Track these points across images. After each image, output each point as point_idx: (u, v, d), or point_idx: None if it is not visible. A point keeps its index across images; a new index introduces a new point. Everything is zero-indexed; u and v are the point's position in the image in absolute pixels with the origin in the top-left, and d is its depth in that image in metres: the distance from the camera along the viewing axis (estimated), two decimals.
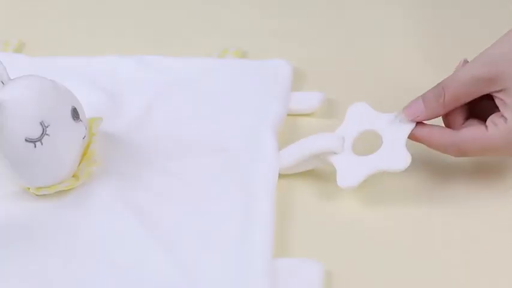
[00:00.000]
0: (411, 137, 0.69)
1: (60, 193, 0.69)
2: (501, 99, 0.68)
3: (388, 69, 0.84)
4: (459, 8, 0.93)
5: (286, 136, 0.76)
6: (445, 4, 0.94)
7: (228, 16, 0.94)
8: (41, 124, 0.66)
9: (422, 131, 0.69)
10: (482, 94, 0.68)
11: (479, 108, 0.70)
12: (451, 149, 0.69)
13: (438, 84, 0.69)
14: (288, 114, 0.78)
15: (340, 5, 0.95)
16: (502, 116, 0.67)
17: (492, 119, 0.68)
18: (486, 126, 0.68)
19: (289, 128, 0.77)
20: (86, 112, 0.71)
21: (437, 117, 0.70)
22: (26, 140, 0.66)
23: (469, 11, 0.93)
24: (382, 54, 0.87)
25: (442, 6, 0.94)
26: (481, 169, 0.72)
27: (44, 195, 0.69)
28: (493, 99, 0.68)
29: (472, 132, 0.68)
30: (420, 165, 0.72)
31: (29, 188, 0.69)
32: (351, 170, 0.68)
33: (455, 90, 0.68)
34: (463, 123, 0.70)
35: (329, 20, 0.93)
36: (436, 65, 0.84)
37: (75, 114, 0.69)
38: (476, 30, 0.89)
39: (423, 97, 0.69)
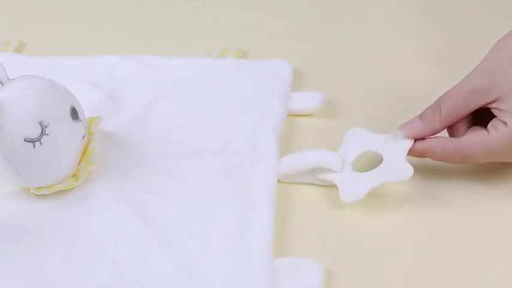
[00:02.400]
0: (413, 153, 0.69)
1: (59, 193, 0.69)
2: (498, 109, 0.68)
3: (389, 70, 0.84)
4: (460, 8, 0.93)
5: (286, 136, 0.76)
6: (445, 4, 0.94)
7: (228, 16, 0.94)
8: (40, 124, 0.66)
9: (423, 143, 0.69)
10: (479, 106, 0.69)
11: (482, 118, 0.70)
12: (455, 156, 0.69)
13: (435, 101, 0.69)
14: (288, 115, 0.78)
15: (340, 5, 0.95)
16: (501, 121, 0.68)
17: (493, 123, 0.68)
18: (488, 131, 0.68)
19: (289, 128, 0.77)
20: (86, 112, 0.71)
21: (435, 133, 0.70)
22: (25, 140, 0.66)
23: (470, 11, 0.93)
24: (383, 55, 0.87)
25: (443, 6, 0.94)
26: (480, 172, 0.72)
27: (44, 195, 0.69)
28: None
29: (474, 136, 0.69)
30: (419, 168, 0.72)
31: (28, 188, 0.69)
32: (353, 185, 0.68)
33: (450, 103, 0.69)
34: (466, 132, 0.70)
35: (329, 20, 0.92)
36: (436, 65, 0.83)
37: (74, 114, 0.69)
38: (477, 31, 0.89)
39: (421, 114, 0.70)
